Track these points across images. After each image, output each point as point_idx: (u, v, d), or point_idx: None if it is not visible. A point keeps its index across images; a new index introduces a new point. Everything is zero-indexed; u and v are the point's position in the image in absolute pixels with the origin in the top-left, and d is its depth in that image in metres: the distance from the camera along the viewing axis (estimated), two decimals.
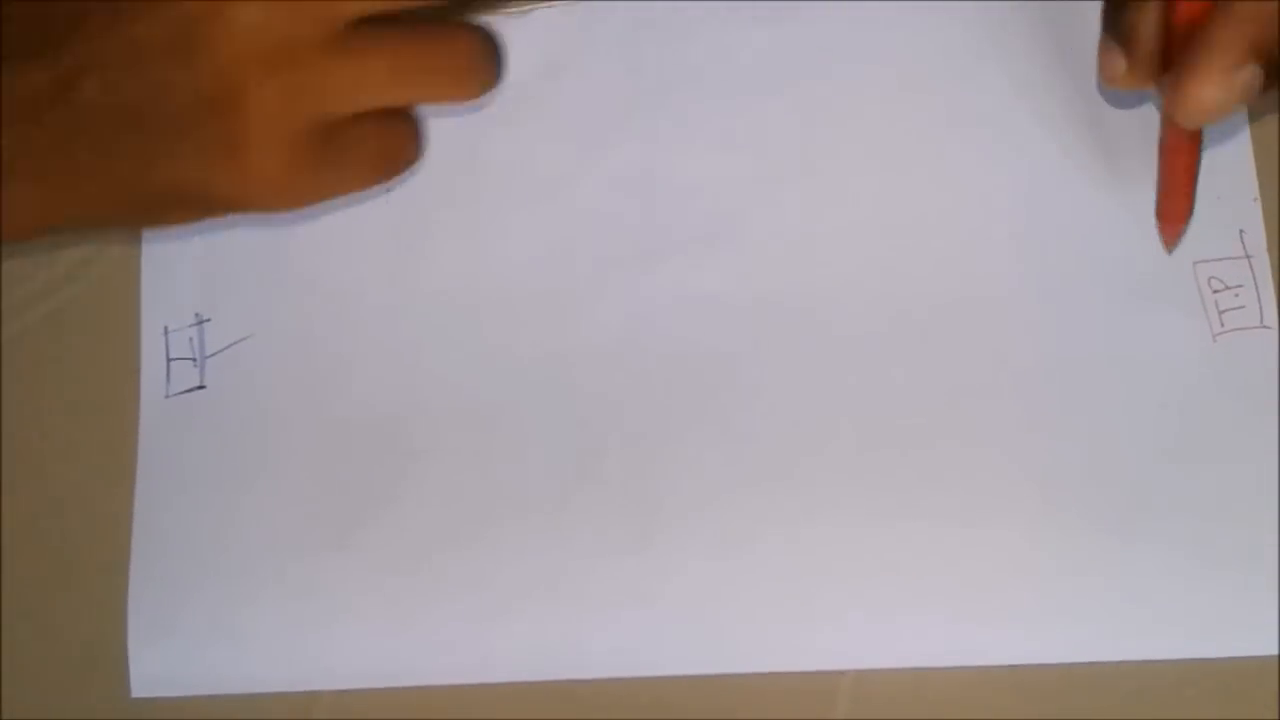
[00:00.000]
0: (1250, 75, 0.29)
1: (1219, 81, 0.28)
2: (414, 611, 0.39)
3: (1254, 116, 0.36)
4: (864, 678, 0.36)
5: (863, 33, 0.39)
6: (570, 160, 0.40)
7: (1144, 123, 0.36)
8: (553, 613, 0.38)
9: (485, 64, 0.30)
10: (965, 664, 0.35)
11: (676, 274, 0.39)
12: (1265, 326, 0.35)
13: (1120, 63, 0.31)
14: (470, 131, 0.41)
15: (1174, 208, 0.34)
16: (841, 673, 0.36)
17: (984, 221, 0.37)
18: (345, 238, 0.42)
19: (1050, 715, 0.35)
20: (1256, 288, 0.36)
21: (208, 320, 0.42)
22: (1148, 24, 0.30)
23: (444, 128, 0.41)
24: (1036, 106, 0.37)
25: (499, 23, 0.41)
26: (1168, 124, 0.33)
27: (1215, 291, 0.36)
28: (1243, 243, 0.36)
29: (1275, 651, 0.34)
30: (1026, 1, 0.38)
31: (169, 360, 0.42)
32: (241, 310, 0.42)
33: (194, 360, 0.42)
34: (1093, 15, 0.37)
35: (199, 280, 0.43)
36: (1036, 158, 0.37)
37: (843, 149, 0.39)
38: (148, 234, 0.43)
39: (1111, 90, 0.36)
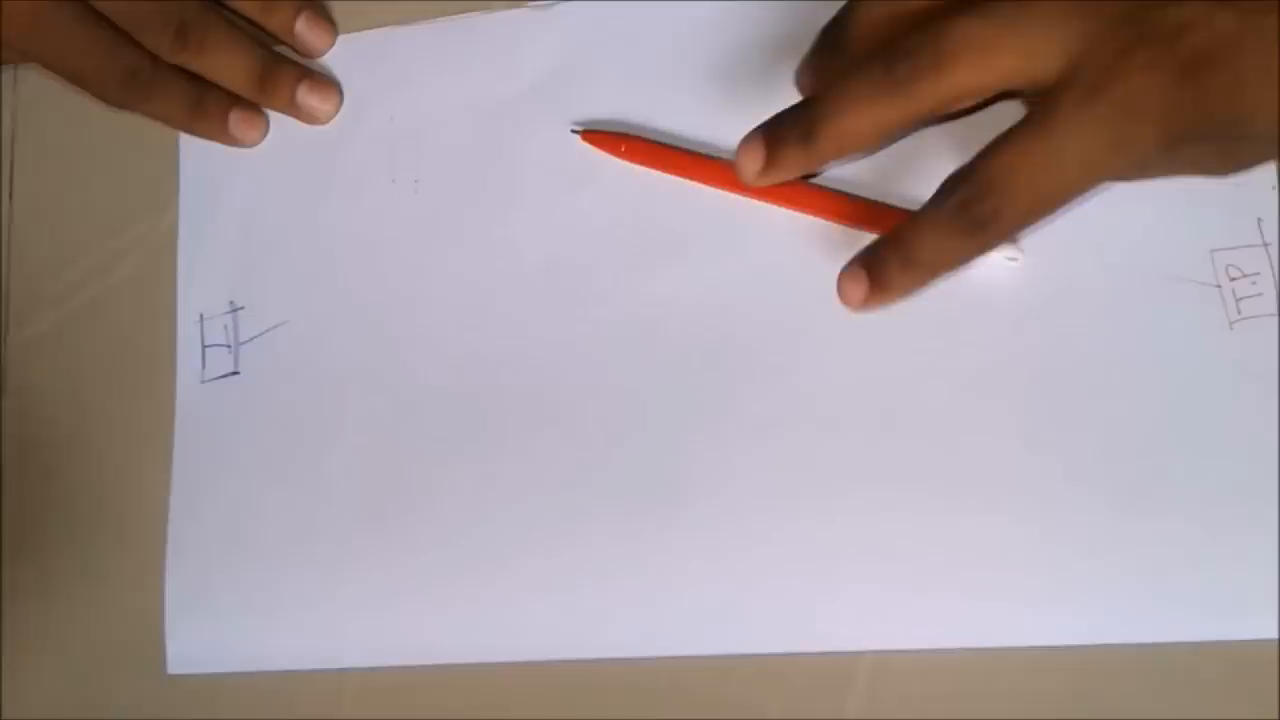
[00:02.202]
0: None
1: None
2: (440, 592, 0.40)
3: None
4: (881, 659, 0.36)
5: None
6: (592, 151, 0.41)
7: None
8: (574, 594, 0.38)
9: None
10: (979, 645, 0.35)
11: (697, 263, 0.39)
12: None
13: None
14: (493, 127, 0.42)
15: None
16: (859, 654, 0.36)
17: None
18: (374, 228, 0.42)
19: (1061, 698, 0.35)
20: (1274, 276, 0.35)
21: (241, 308, 0.43)
22: None
23: (467, 124, 0.42)
24: None
25: (523, 17, 0.42)
26: None
27: (1232, 279, 0.36)
28: (1260, 230, 0.36)
29: (1275, 635, 0.34)
30: None
31: (204, 347, 0.43)
32: (274, 298, 0.43)
33: (228, 347, 0.43)
34: None
35: (233, 269, 0.44)
36: None
37: None
38: (184, 222, 0.44)
39: None
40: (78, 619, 0.43)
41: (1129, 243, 0.36)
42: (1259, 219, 0.36)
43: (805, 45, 0.38)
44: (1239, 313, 0.36)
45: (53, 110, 0.46)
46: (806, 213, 0.38)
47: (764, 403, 0.38)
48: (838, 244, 0.38)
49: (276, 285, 0.43)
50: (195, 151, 0.45)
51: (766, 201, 0.39)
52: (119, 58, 0.40)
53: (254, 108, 0.44)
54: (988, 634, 0.35)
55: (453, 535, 0.40)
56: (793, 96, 0.39)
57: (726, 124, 0.39)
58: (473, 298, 0.41)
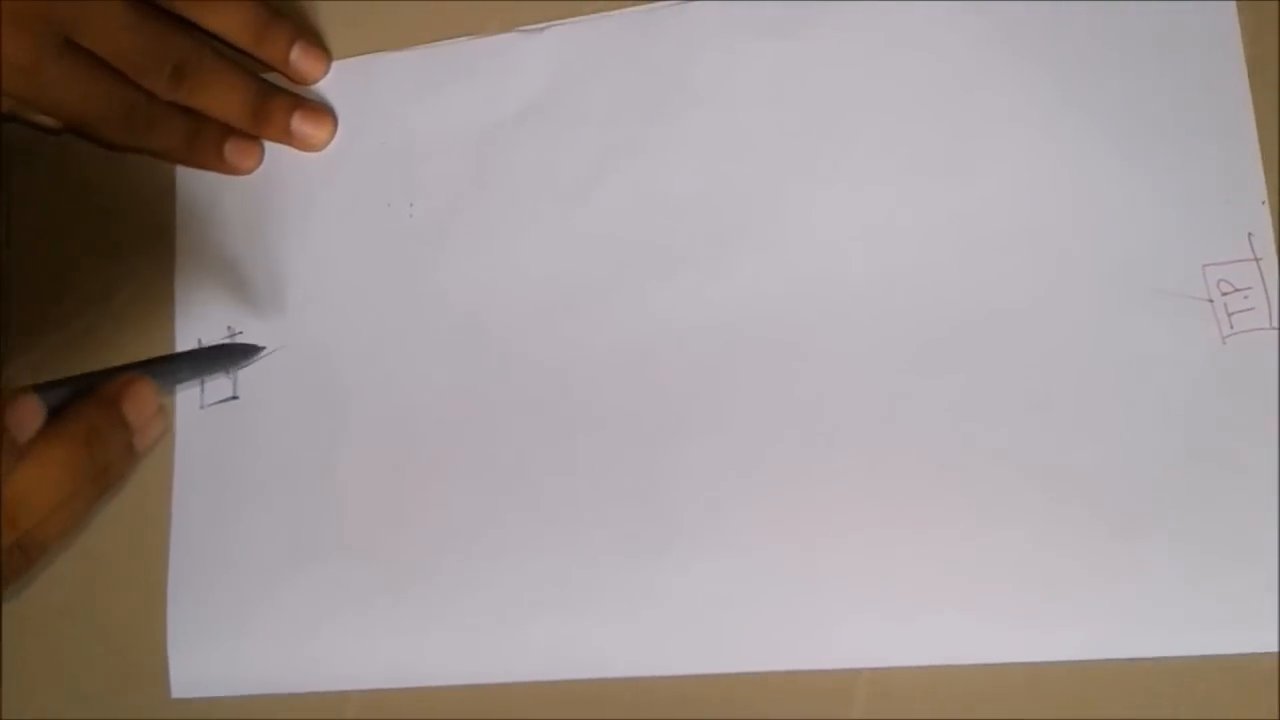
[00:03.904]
0: None
1: None
2: (438, 614, 0.40)
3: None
4: (880, 676, 0.36)
5: (871, 44, 0.39)
6: (584, 173, 0.41)
7: (1155, 128, 0.37)
8: (572, 614, 0.39)
9: None
10: (978, 662, 0.36)
11: (690, 284, 0.39)
12: (1274, 328, 0.35)
13: None
14: (486, 149, 0.42)
15: None
16: (858, 671, 0.37)
17: (994, 226, 0.37)
18: (369, 252, 0.43)
19: (1061, 713, 0.35)
20: (1265, 290, 0.36)
21: (239, 333, 0.43)
22: None
23: (460, 146, 0.42)
24: (1043, 114, 0.38)
25: (513, 41, 0.42)
26: None
27: (1224, 294, 0.36)
28: (1251, 245, 0.36)
29: (1276, 649, 0.34)
30: (1037, 2, 0.38)
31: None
32: (272, 323, 0.43)
33: (227, 372, 0.43)
34: (1106, 16, 0.37)
35: (231, 295, 0.44)
36: (1047, 163, 0.37)
37: (854, 159, 0.39)
38: (181, 249, 0.45)
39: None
40: (82, 643, 0.43)
41: (1121, 258, 0.36)
42: (1250, 234, 0.36)
43: (789, 53, 0.38)
44: (1231, 327, 0.36)
45: (51, 136, 0.46)
46: None
47: (761, 421, 0.38)
48: (837, 260, 0.38)
49: (274, 310, 0.43)
50: (192, 179, 0.45)
51: None
52: (117, 100, 0.40)
53: (249, 137, 0.44)
54: (987, 650, 0.36)
55: (452, 557, 0.40)
56: (786, 120, 0.39)
57: (716, 145, 0.40)
58: (469, 320, 0.41)
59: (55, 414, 0.33)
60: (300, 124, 0.43)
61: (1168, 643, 0.35)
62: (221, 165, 0.44)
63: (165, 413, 0.37)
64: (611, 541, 0.39)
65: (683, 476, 0.38)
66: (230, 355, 0.42)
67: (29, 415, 0.32)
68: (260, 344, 0.42)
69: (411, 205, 0.43)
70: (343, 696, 0.40)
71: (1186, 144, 0.37)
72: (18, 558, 0.33)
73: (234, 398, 0.43)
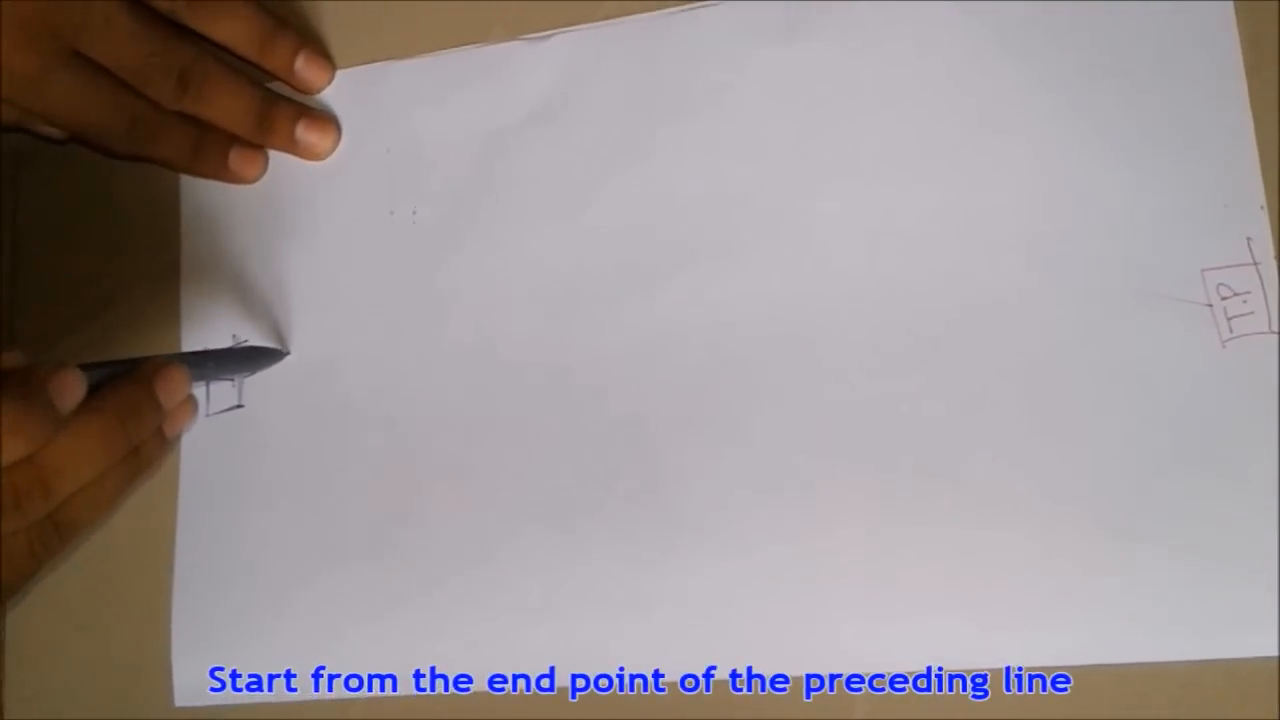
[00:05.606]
0: None
1: None
2: (444, 620, 0.40)
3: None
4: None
5: (873, 48, 0.39)
6: (589, 177, 0.41)
7: (1153, 132, 0.37)
8: (577, 617, 0.39)
9: None
10: (978, 666, 0.36)
11: (694, 286, 0.40)
12: (1273, 333, 0.35)
13: None
14: (490, 156, 0.42)
15: None
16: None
17: (994, 230, 0.38)
18: (373, 259, 0.43)
19: (1061, 715, 0.35)
20: (1265, 294, 0.36)
21: (245, 342, 0.44)
22: None
23: (464, 154, 0.42)
24: (1043, 118, 0.38)
25: (518, 48, 0.42)
26: None
27: (1224, 298, 0.36)
28: (1250, 250, 0.36)
29: (1275, 653, 0.34)
30: (1038, 4, 0.38)
31: (208, 381, 0.44)
32: (276, 332, 0.43)
33: (232, 380, 0.43)
34: (1104, 20, 0.38)
35: (235, 303, 0.44)
36: (1046, 167, 0.38)
37: (858, 163, 0.39)
38: (185, 257, 0.45)
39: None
40: (86, 651, 0.43)
41: (1120, 262, 0.37)
42: (1249, 238, 0.36)
43: (792, 58, 0.38)
44: (1231, 331, 0.36)
45: (56, 146, 0.47)
46: None
47: (764, 423, 0.38)
48: (841, 264, 0.39)
49: (278, 319, 0.43)
50: (196, 188, 0.45)
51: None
52: (122, 110, 0.41)
53: (253, 146, 0.44)
54: (987, 654, 0.36)
55: (457, 564, 0.40)
56: (790, 124, 0.39)
57: (721, 149, 0.40)
58: (474, 325, 0.41)
59: (92, 392, 0.34)
60: (305, 133, 0.43)
61: (1167, 647, 0.35)
62: (226, 174, 0.44)
63: (194, 402, 0.38)
64: (616, 543, 0.39)
65: (686, 479, 0.39)
66: (255, 358, 0.42)
67: (72, 387, 0.33)
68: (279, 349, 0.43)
69: (415, 213, 0.43)
70: (347, 702, 0.40)
71: (1185, 148, 0.37)
72: (50, 534, 0.34)
73: (239, 406, 0.43)
